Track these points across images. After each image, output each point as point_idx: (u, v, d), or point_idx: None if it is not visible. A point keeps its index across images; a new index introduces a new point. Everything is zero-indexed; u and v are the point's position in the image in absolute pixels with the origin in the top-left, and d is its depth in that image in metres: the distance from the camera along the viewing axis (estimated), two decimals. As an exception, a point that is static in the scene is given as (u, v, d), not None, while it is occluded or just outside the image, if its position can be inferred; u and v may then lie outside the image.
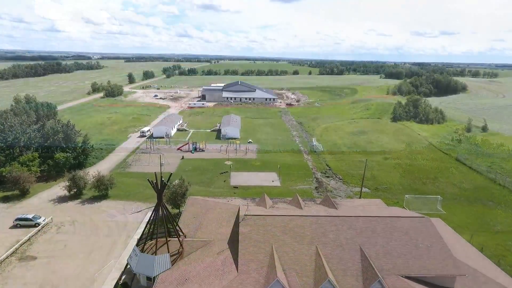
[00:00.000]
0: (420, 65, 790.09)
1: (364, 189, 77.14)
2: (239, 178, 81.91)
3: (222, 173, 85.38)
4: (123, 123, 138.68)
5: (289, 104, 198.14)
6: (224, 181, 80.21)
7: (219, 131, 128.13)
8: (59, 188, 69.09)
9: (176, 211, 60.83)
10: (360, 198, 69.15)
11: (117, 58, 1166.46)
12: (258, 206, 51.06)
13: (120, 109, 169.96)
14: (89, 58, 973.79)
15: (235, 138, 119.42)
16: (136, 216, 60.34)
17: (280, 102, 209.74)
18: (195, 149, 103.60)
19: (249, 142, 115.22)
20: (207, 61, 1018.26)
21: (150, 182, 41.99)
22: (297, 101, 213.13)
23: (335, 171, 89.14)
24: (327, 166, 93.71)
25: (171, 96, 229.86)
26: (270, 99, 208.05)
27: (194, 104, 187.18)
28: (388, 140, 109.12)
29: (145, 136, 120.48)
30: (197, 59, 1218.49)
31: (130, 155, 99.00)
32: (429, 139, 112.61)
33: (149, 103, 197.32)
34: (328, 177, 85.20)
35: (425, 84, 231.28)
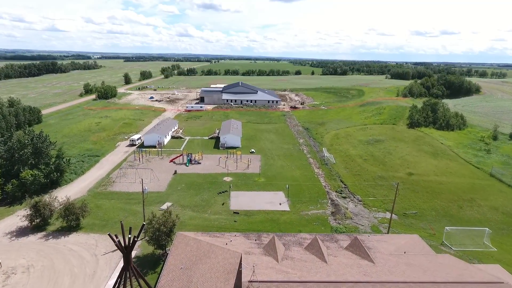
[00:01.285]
0: (422, 64, 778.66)
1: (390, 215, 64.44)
2: (241, 200, 69.21)
3: (220, 193, 72.68)
4: (112, 130, 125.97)
5: (293, 107, 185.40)
6: (223, 204, 67.50)
7: (218, 139, 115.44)
8: (19, 218, 56.47)
9: (161, 251, 48.08)
10: (389, 231, 56.33)
11: (117, 57, 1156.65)
12: (266, 254, 38.42)
13: (112, 113, 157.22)
14: (89, 57, 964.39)
15: (235, 148, 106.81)
16: (109, 258, 47.65)
17: (284, 105, 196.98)
18: (190, 161, 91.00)
19: (252, 152, 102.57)
20: (207, 61, 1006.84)
21: (112, 238, 29.43)
22: (301, 104, 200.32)
23: (352, 190, 76.42)
24: (342, 182, 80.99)
25: (168, 98, 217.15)
26: (273, 101, 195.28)
27: (192, 107, 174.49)
28: (409, 151, 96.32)
29: (135, 144, 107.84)
30: (197, 58, 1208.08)
31: (116, 169, 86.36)
32: (454, 149, 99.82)
33: (144, 106, 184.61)
34: (344, 197, 72.47)
35: (437, 85, 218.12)
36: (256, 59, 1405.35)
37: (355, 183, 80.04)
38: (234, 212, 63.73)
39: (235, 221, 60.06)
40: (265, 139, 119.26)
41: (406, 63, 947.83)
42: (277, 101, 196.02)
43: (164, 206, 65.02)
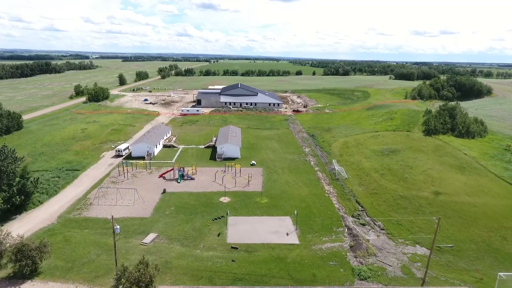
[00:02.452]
0: (422, 64, 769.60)
1: (421, 249, 53.20)
2: (240, 229, 57.83)
3: (216, 219, 61.32)
4: (99, 137, 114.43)
5: (296, 111, 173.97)
6: (219, 234, 56.13)
7: (214, 148, 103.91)
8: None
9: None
10: (425, 277, 44.93)
11: (116, 57, 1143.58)
12: None
13: (101, 117, 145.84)
14: (87, 57, 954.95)
15: (234, 159, 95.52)
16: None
17: (286, 108, 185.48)
18: (182, 177, 79.57)
19: (252, 165, 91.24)
20: (206, 61, 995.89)
21: None
22: (304, 107, 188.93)
23: (371, 214, 65.09)
24: (358, 204, 69.65)
25: (163, 100, 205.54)
26: (274, 104, 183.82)
27: (188, 110, 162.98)
28: (431, 164, 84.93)
29: (122, 155, 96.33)
30: (196, 58, 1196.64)
31: (97, 186, 74.93)
32: (480, 161, 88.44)
33: (137, 109, 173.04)
34: (363, 224, 61.10)
35: (446, 87, 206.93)
36: (255, 58, 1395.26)
37: (373, 204, 68.67)
38: (232, 247, 52.33)
39: (233, 261, 48.65)
40: (267, 148, 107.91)
41: (406, 62, 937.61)
42: (278, 104, 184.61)
43: (147, 239, 53.74)
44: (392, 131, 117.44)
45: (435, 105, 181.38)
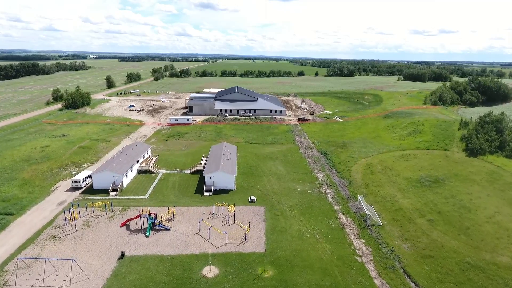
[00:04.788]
0: (422, 63, 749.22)
1: None
2: None
3: (192, 317, 38.58)
4: (60, 158, 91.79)
5: (302, 119, 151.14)
6: None
7: (203, 176, 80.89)
8: None
9: None
10: None
11: (114, 57, 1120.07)
12: None
13: (73, 130, 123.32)
14: (85, 57, 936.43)
15: (227, 191, 72.96)
16: None
17: (290, 115, 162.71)
18: (152, 226, 56.92)
19: (251, 202, 68.54)
20: (205, 61, 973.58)
21: None
22: (310, 114, 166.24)
23: (433, 299, 42.34)
24: (408, 277, 46.93)
25: (151, 106, 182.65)
26: (276, 111, 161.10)
27: (176, 120, 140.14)
28: (494, 204, 62.17)
29: (80, 188, 73.58)
30: (194, 58, 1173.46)
31: (29, 244, 52.30)
32: (555, 196, 65.79)
33: (118, 118, 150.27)
34: (428, 326, 38.31)
35: (469, 90, 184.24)
36: (255, 58, 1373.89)
37: (432, 279, 45.88)
38: None
39: None
40: (270, 173, 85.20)
41: (407, 62, 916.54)
42: (281, 111, 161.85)
43: None
44: (425, 149, 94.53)
45: (459, 111, 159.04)
